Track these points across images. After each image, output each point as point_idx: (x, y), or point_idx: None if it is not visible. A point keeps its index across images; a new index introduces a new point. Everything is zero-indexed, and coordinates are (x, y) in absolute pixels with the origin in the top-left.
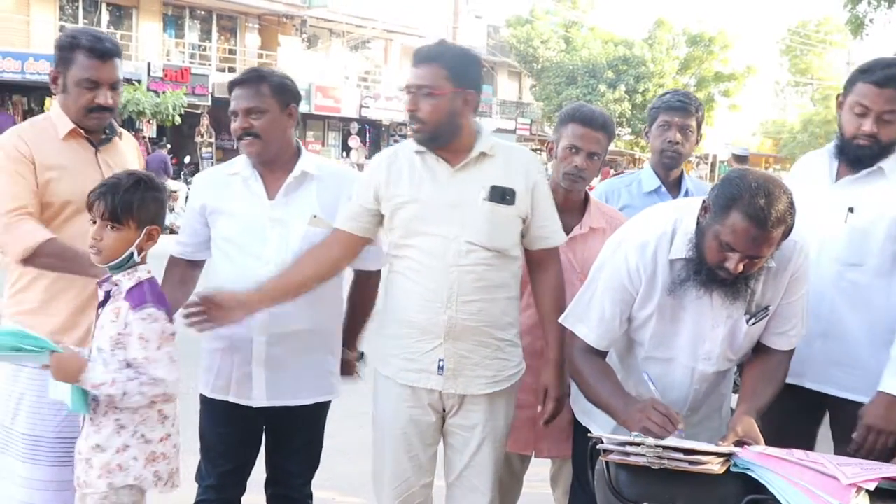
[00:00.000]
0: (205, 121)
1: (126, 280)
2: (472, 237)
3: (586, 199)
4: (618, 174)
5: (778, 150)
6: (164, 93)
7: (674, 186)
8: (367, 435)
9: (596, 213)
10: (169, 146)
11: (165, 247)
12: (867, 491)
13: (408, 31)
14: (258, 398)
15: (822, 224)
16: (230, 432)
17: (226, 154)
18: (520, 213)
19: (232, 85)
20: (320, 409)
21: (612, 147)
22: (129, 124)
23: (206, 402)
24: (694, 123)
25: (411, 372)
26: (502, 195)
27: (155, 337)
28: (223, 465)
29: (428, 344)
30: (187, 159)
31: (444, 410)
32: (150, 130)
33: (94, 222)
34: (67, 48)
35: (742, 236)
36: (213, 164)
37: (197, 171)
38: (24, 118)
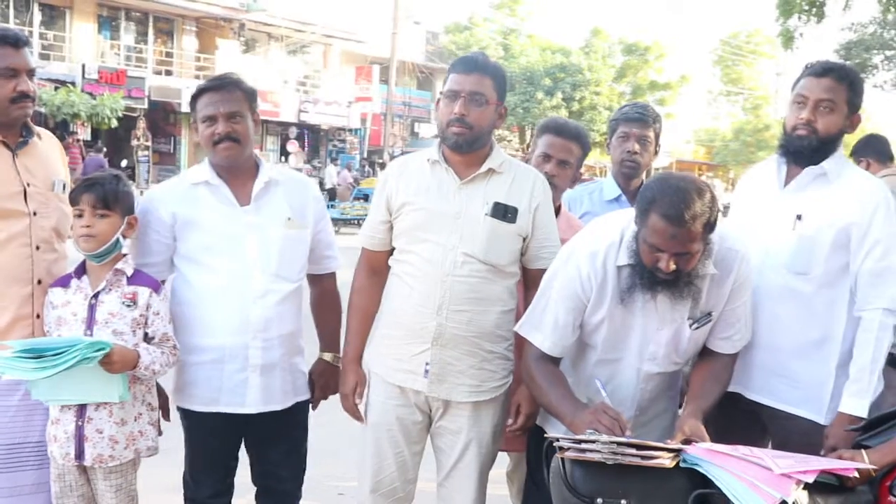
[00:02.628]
0: (141, 124)
1: (128, 268)
2: (469, 249)
3: (558, 210)
4: None
5: (711, 158)
6: (100, 95)
7: (634, 195)
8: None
9: (563, 225)
10: (105, 150)
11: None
12: (806, 484)
13: (347, 35)
14: (253, 404)
15: (770, 231)
16: (221, 442)
17: (162, 158)
18: (520, 232)
19: (204, 90)
20: (302, 410)
21: None
22: (64, 127)
23: (192, 415)
24: (652, 134)
25: (399, 372)
26: (504, 212)
27: (168, 313)
28: (216, 474)
29: (416, 347)
30: (123, 163)
31: (430, 412)
32: (84, 133)
33: (80, 215)
34: None
35: (662, 235)
36: (149, 168)
37: (133, 175)
38: None
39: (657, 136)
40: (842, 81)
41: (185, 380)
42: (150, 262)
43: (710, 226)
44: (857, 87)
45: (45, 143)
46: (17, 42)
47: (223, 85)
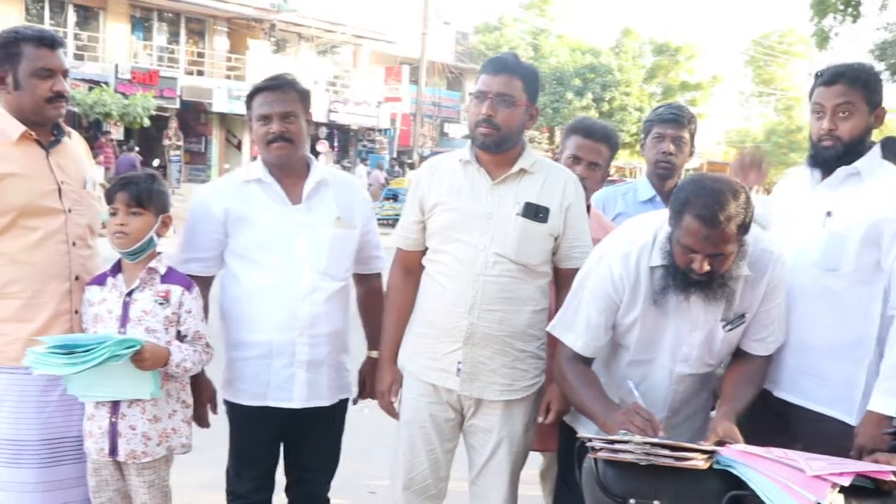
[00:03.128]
0: (173, 124)
1: (161, 267)
2: (500, 249)
3: (588, 210)
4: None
5: None
6: (132, 95)
7: (668, 196)
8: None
9: (594, 225)
10: (137, 149)
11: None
12: (842, 488)
13: (377, 36)
14: (299, 399)
15: (801, 229)
16: (266, 436)
17: (193, 157)
18: (551, 232)
19: (259, 89)
20: (342, 407)
21: None
22: (97, 126)
23: (239, 409)
24: (687, 135)
25: (432, 370)
26: (535, 212)
27: (201, 312)
28: (259, 468)
29: (449, 346)
30: (156, 162)
31: (462, 410)
32: (117, 133)
33: (115, 213)
34: (13, 43)
35: (696, 237)
36: (180, 167)
37: (165, 174)
38: None
39: (692, 137)
40: (854, 84)
41: (233, 374)
42: (200, 257)
43: (744, 227)
44: (872, 84)
45: (74, 141)
46: (53, 43)
47: (279, 85)
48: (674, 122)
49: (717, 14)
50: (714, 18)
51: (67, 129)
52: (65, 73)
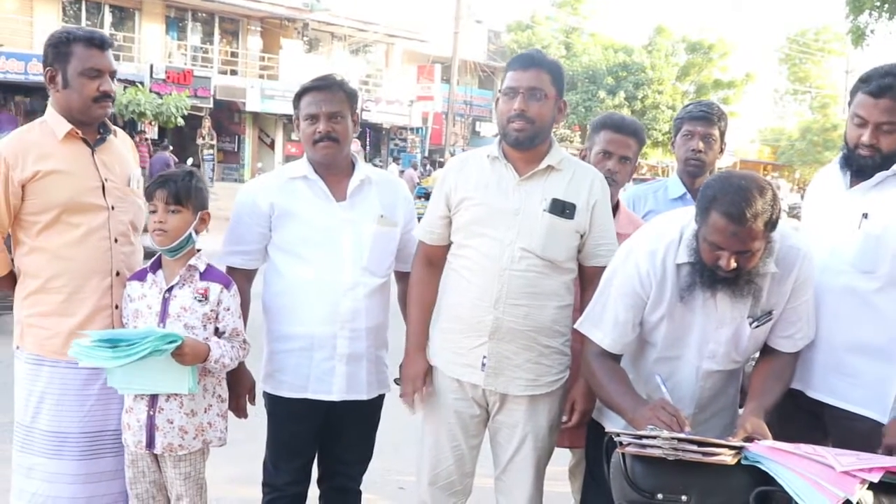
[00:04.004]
0: (206, 123)
1: (201, 264)
2: (527, 244)
3: (617, 206)
4: None
5: (776, 158)
6: (167, 94)
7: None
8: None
9: (624, 220)
10: (171, 148)
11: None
12: (871, 484)
13: (409, 35)
14: (339, 392)
15: (835, 230)
16: (305, 428)
17: (226, 156)
18: (577, 229)
19: (308, 89)
20: (379, 402)
21: None
22: (131, 126)
23: (279, 402)
24: (717, 132)
25: (458, 366)
26: (562, 209)
27: (239, 309)
28: (297, 461)
29: (474, 340)
30: (189, 161)
31: (487, 406)
32: (151, 132)
33: (154, 211)
34: (64, 43)
35: (723, 234)
36: (213, 166)
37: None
38: (27, 120)
39: (722, 135)
40: None
41: (274, 366)
42: (244, 250)
43: (771, 224)
44: None
45: (120, 139)
46: (102, 44)
47: (327, 85)
48: (703, 119)
49: (751, 12)
50: (748, 16)
51: (113, 127)
52: (112, 74)
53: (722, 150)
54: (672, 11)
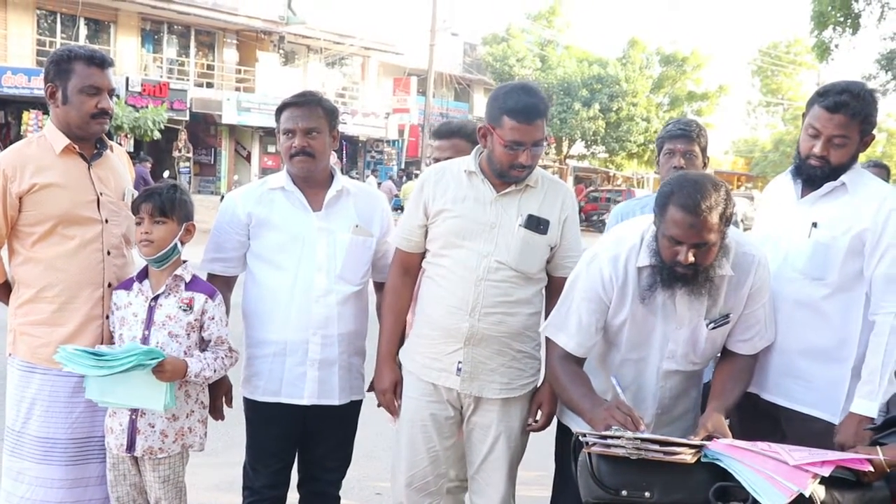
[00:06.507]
0: (183, 136)
1: (186, 274)
2: (503, 258)
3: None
4: (592, 191)
5: (750, 169)
6: (143, 107)
7: None
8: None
9: None
10: (151, 161)
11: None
12: (823, 479)
13: (385, 48)
14: (310, 397)
15: (787, 238)
16: (280, 433)
17: (203, 169)
18: (549, 242)
19: (286, 105)
20: (354, 409)
21: (586, 164)
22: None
23: (255, 406)
24: (697, 148)
25: (433, 370)
26: (537, 224)
27: (224, 317)
28: (274, 465)
29: (450, 346)
30: (166, 174)
31: (462, 408)
32: (127, 145)
33: (140, 223)
34: (66, 60)
35: (681, 226)
36: (190, 178)
37: None
38: (0, 131)
39: (703, 150)
40: (854, 118)
41: (251, 371)
42: (224, 258)
43: (725, 218)
44: (871, 117)
45: (117, 154)
46: (102, 63)
47: (305, 102)
48: (683, 137)
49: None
50: (721, 29)
51: (110, 143)
52: (111, 92)
53: (705, 164)
54: (646, 24)
